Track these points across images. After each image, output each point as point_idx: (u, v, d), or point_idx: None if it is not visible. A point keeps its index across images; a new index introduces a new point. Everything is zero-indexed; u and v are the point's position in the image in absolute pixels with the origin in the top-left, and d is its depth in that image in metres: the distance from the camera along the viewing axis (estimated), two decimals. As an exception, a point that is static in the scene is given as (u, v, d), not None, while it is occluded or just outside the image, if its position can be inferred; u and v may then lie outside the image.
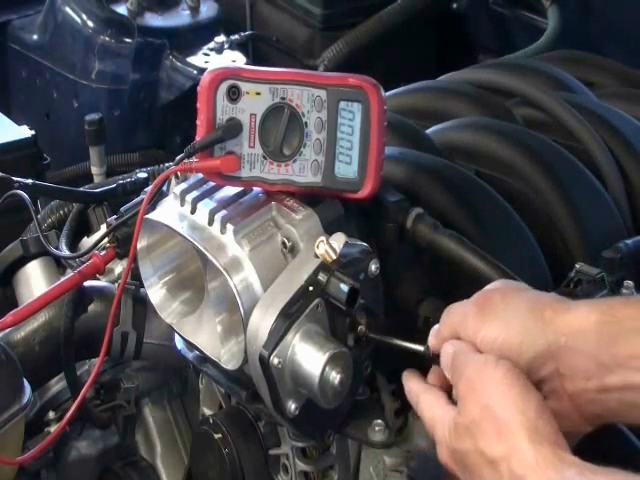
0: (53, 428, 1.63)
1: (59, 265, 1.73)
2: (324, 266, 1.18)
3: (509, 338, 1.07)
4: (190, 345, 1.31)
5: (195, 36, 2.95)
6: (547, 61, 1.98)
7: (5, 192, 1.50)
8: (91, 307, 1.51)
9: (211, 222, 1.21)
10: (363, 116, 1.22)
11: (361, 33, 2.93)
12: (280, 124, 1.22)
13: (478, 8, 3.03)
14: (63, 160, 2.55)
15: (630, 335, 1.03)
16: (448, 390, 1.12)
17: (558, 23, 2.73)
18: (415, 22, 2.99)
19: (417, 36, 3.04)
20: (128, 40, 2.81)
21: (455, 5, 3.10)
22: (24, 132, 2.11)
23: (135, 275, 1.38)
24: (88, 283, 1.50)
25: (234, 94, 1.21)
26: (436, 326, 1.16)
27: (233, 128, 1.21)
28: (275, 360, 1.17)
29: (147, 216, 1.25)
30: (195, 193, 1.24)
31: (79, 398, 1.37)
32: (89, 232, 1.68)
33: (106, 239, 1.39)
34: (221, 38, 2.95)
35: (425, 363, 1.17)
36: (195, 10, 2.97)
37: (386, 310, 1.27)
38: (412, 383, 1.16)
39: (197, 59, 2.89)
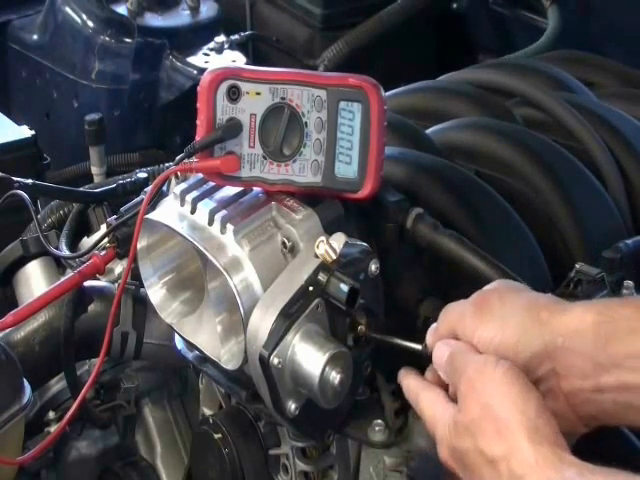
0: (53, 428, 1.63)
1: (59, 265, 1.73)
2: (324, 266, 1.18)
3: (506, 338, 1.07)
4: (190, 345, 1.31)
5: (195, 36, 2.94)
6: (547, 61, 1.98)
7: (5, 192, 1.50)
8: (91, 307, 1.51)
9: (211, 222, 1.21)
10: (363, 116, 1.22)
11: (361, 33, 2.93)
12: (280, 124, 1.22)
13: (478, 8, 3.03)
14: (63, 160, 2.55)
15: (626, 335, 1.04)
16: (445, 388, 1.12)
17: (558, 23, 2.73)
18: (415, 22, 2.99)
19: (417, 36, 3.04)
20: (128, 40, 2.81)
21: (455, 5, 3.10)
22: (24, 132, 2.11)
23: (135, 275, 1.38)
24: (88, 283, 1.50)
25: (234, 94, 1.21)
26: (434, 325, 1.16)
27: (233, 128, 1.21)
28: (275, 360, 1.17)
29: (147, 216, 1.25)
30: (195, 193, 1.24)
31: (79, 398, 1.37)
32: (89, 232, 1.68)
33: (106, 239, 1.39)
34: (221, 38, 2.95)
35: (423, 362, 1.17)
36: (195, 10, 2.97)
37: (386, 310, 1.27)
38: (410, 380, 1.16)
39: (197, 59, 2.89)
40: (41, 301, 1.36)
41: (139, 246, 1.27)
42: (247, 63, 2.91)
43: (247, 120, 1.22)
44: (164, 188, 1.30)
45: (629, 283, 1.35)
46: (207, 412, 1.48)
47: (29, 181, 1.55)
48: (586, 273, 1.33)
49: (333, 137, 1.24)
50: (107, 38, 2.82)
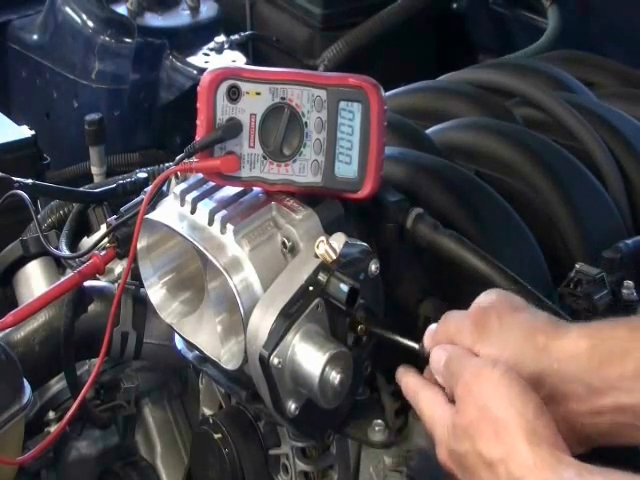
0: (53, 428, 1.63)
1: (59, 265, 1.73)
2: (324, 266, 1.18)
3: (504, 360, 1.08)
4: (190, 345, 1.31)
5: (195, 36, 2.95)
6: (547, 61, 1.98)
7: (5, 192, 1.50)
8: (91, 307, 1.51)
9: (211, 222, 1.21)
10: (363, 116, 1.22)
11: (361, 33, 2.93)
12: (280, 124, 1.22)
13: (478, 8, 3.03)
14: (63, 160, 2.55)
15: (619, 357, 1.05)
16: (444, 388, 1.12)
17: (558, 23, 2.73)
18: (415, 22, 2.99)
19: (417, 36, 3.04)
20: (128, 40, 2.81)
21: (455, 5, 3.10)
22: (24, 132, 2.11)
23: (135, 275, 1.38)
24: (88, 283, 1.49)
25: (234, 94, 1.21)
26: (432, 325, 1.16)
27: (233, 128, 1.21)
28: (275, 360, 1.17)
29: (147, 216, 1.25)
30: (195, 193, 1.24)
31: (79, 398, 1.37)
32: (89, 232, 1.68)
33: (106, 239, 1.39)
34: (221, 38, 2.95)
35: (420, 362, 1.17)
36: (195, 10, 2.97)
37: (386, 310, 1.27)
38: (410, 378, 1.16)
39: (197, 59, 2.89)
40: (41, 301, 1.36)
41: (139, 246, 1.27)
42: (247, 63, 2.91)
43: (247, 120, 1.22)
44: (164, 188, 1.30)
45: (629, 283, 1.35)
46: (207, 412, 1.48)
47: (29, 181, 1.55)
48: (586, 273, 1.33)
49: (333, 137, 1.24)
50: (107, 38, 2.82)
